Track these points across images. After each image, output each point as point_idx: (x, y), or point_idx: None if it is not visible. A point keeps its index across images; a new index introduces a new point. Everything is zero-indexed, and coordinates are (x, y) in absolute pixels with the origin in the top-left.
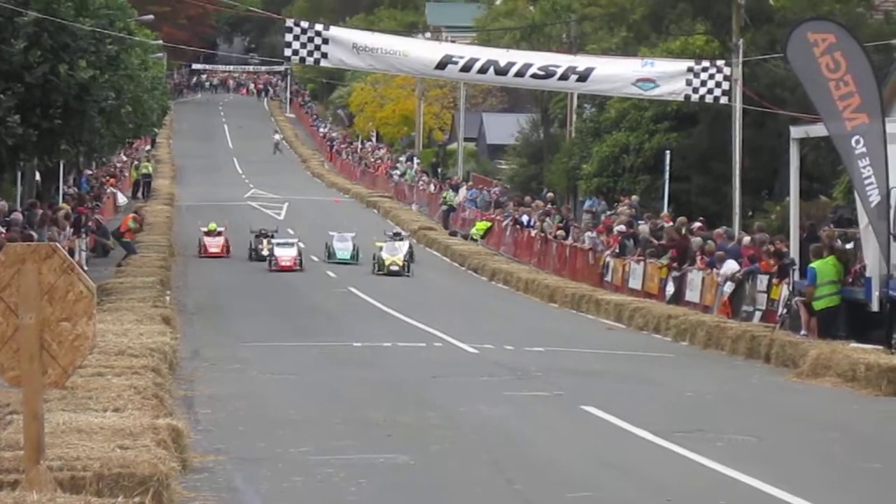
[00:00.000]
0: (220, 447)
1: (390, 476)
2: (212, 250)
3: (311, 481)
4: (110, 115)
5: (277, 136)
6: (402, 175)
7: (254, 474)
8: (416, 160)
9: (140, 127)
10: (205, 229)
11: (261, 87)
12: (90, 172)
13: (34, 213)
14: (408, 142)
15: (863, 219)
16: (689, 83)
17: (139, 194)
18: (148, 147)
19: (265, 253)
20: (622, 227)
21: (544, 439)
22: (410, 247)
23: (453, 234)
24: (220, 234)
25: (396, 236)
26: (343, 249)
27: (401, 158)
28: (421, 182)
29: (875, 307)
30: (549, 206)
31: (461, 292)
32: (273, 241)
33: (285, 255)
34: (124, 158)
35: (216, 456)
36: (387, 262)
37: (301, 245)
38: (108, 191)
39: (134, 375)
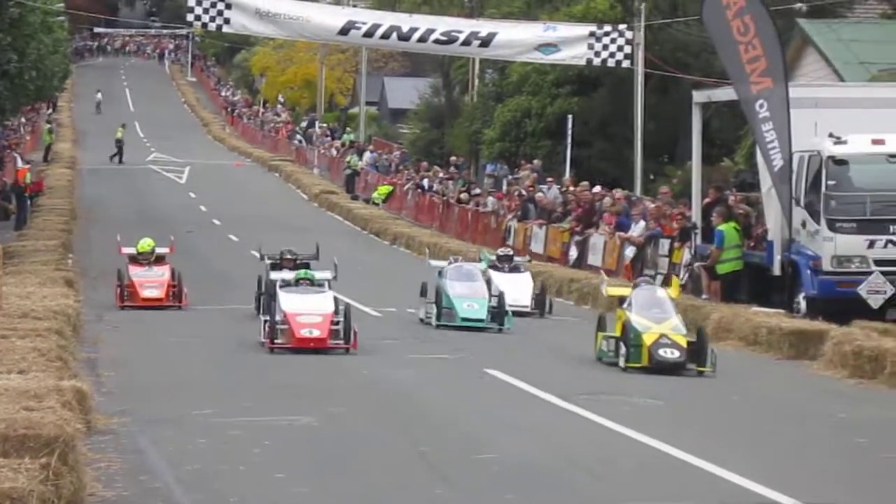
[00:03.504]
0: (125, 409)
1: (294, 437)
2: (147, 294)
3: (216, 442)
4: (13, 78)
5: (99, 96)
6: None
7: (158, 436)
8: (317, 124)
9: (42, 89)
10: (130, 250)
11: (162, 50)
12: None
13: None
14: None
15: (765, 183)
16: (591, 47)
17: (49, 158)
18: (50, 110)
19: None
20: (525, 191)
21: (449, 402)
22: (543, 285)
23: (355, 198)
24: (161, 260)
25: (506, 260)
26: (470, 300)
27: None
28: (323, 145)
29: (777, 271)
30: (452, 169)
31: (363, 256)
32: (274, 274)
33: (308, 310)
34: (24, 121)
35: (121, 418)
36: (647, 341)
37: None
38: (10, 153)
39: (38, 338)
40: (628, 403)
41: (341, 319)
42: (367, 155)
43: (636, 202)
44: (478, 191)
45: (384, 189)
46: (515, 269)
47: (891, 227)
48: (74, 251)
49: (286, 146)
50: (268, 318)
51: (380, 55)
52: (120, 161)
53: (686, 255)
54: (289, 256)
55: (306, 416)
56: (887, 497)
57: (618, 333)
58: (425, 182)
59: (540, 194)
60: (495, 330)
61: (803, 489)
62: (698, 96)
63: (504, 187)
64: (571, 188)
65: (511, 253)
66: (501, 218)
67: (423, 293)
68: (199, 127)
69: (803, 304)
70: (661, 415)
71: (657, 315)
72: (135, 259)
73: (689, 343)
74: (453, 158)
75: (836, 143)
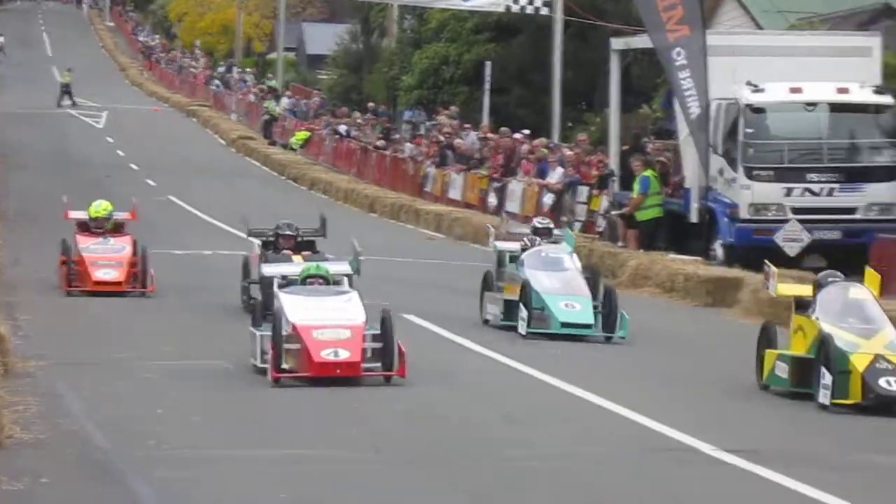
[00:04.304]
0: (43, 353)
1: (212, 380)
2: (101, 276)
3: (133, 385)
4: None
5: (1, 39)
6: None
7: (76, 379)
8: (235, 69)
9: None
10: (80, 215)
11: None
12: None
13: None
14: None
15: (683, 130)
16: None
17: None
18: None
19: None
20: (444, 138)
21: None
22: (594, 268)
23: (272, 143)
24: (119, 229)
25: (544, 234)
26: (567, 297)
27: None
28: (240, 91)
29: (694, 218)
30: (369, 115)
31: (280, 202)
32: (269, 268)
33: (329, 321)
34: None
35: (38, 361)
36: (859, 366)
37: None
38: None
39: None
40: (540, 347)
41: (377, 333)
42: (284, 100)
43: (554, 149)
44: (396, 136)
45: (302, 135)
46: (556, 244)
47: (808, 175)
48: None
49: (204, 91)
50: (267, 332)
51: (298, 0)
52: (73, 104)
53: (604, 203)
54: (288, 233)
55: (222, 360)
56: (806, 443)
57: (803, 352)
58: (342, 128)
59: (458, 140)
60: (602, 339)
61: (724, 436)
62: (616, 44)
63: (423, 132)
64: (490, 135)
65: (550, 224)
66: (419, 164)
67: (488, 286)
68: (117, 72)
69: (720, 252)
70: (572, 358)
71: (860, 326)
72: (86, 227)
73: None
74: (371, 105)
75: (753, 91)
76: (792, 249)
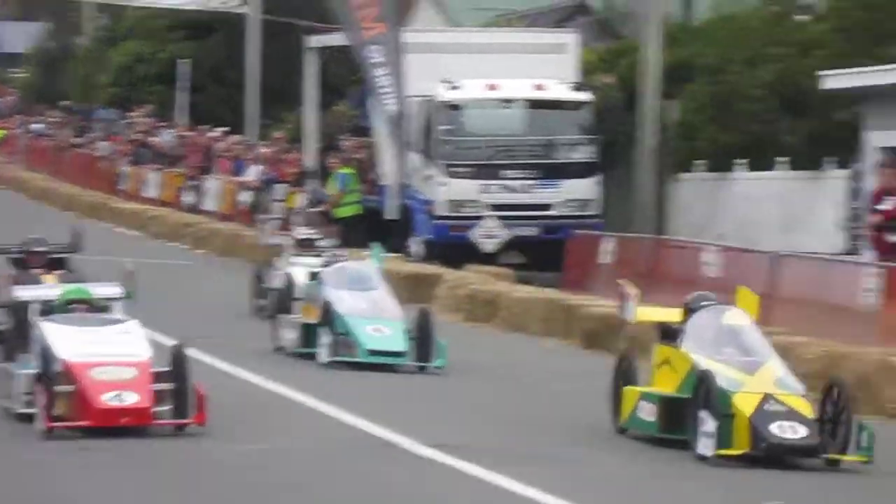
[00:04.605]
0: None
1: None
2: None
3: None
4: None
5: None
6: None
7: None
8: None
9: None
10: None
11: None
12: None
13: None
14: None
15: (379, 128)
16: None
17: None
18: None
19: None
20: (139, 136)
21: None
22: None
23: None
24: None
25: (307, 246)
26: (375, 321)
27: None
28: None
29: (391, 215)
30: (64, 114)
31: None
32: (26, 291)
33: (107, 357)
34: None
35: None
36: (744, 408)
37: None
38: None
39: None
40: (241, 347)
41: (167, 369)
42: None
43: (250, 147)
44: (91, 135)
45: None
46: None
47: (505, 172)
48: None
49: None
50: (33, 370)
51: None
52: None
53: (302, 200)
54: (38, 249)
55: None
56: (511, 439)
57: (672, 390)
58: (36, 126)
59: (155, 138)
60: (416, 369)
61: (425, 432)
62: (312, 41)
63: (118, 130)
64: (186, 133)
65: (313, 235)
66: (113, 162)
67: (283, 307)
68: None
69: (416, 248)
70: (267, 357)
71: (740, 359)
72: None
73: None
74: (67, 103)
75: (449, 88)
76: (488, 246)
